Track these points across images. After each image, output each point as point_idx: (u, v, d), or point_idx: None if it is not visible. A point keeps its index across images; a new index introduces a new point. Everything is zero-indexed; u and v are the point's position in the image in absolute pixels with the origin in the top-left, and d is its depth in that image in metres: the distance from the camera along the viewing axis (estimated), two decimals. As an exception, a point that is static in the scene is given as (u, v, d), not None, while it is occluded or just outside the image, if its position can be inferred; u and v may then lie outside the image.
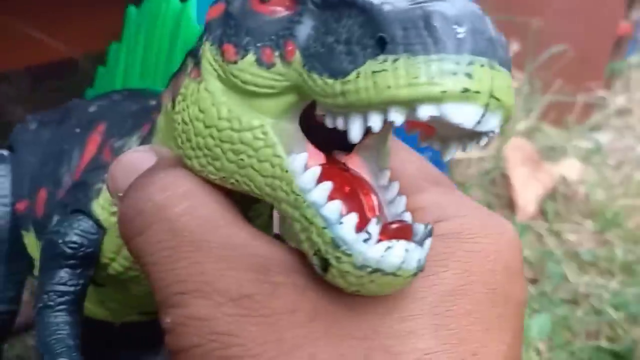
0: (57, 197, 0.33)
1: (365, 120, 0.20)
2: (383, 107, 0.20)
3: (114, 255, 0.30)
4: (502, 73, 0.20)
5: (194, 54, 0.26)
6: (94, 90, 0.44)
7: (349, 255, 0.21)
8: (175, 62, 0.35)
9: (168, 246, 0.23)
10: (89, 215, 0.30)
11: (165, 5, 0.36)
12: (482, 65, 0.19)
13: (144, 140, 0.30)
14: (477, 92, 0.19)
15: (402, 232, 0.22)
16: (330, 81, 0.21)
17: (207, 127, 0.24)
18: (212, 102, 0.24)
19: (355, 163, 0.24)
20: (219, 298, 0.22)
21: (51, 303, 0.28)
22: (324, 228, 0.21)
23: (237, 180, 0.24)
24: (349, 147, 0.24)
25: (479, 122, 0.19)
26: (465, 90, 0.19)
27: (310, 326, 0.22)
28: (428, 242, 0.22)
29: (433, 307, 0.23)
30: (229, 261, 0.23)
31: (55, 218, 0.32)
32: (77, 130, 0.34)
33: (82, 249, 0.29)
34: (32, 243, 0.35)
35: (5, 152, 0.37)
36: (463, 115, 0.19)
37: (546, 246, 0.75)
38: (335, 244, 0.21)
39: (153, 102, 0.33)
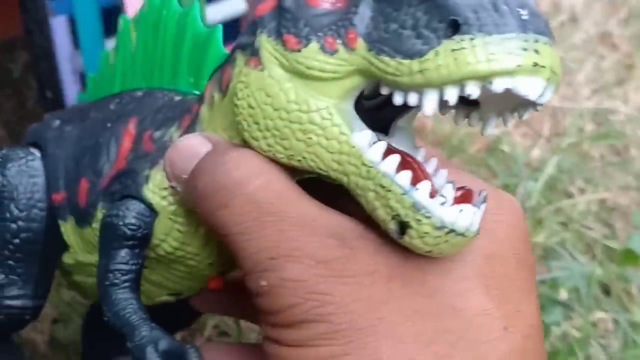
0: (99, 186, 0.35)
1: (441, 94, 0.24)
2: (460, 81, 0.24)
3: (164, 237, 0.33)
4: (556, 51, 0.24)
5: (242, 47, 0.30)
6: (85, 95, 0.46)
7: (429, 217, 0.24)
8: (183, 63, 0.38)
9: (252, 217, 0.26)
10: (141, 199, 0.32)
11: (166, 10, 0.39)
12: (544, 43, 0.23)
13: (187, 130, 0.33)
14: (544, 66, 0.23)
15: (466, 197, 0.26)
16: (405, 61, 0.24)
17: (275, 110, 0.27)
18: (279, 87, 0.27)
19: (395, 143, 0.28)
20: (308, 261, 0.25)
21: (117, 281, 0.31)
22: (403, 194, 0.25)
23: (304, 158, 0.27)
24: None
25: (541, 95, 0.23)
26: (535, 65, 0.23)
27: (388, 286, 0.25)
28: (483, 207, 0.26)
29: (480, 270, 0.27)
30: (310, 229, 0.26)
31: (101, 204, 0.35)
32: (109, 124, 0.36)
33: (140, 230, 0.32)
34: (69, 230, 0.37)
35: (37, 152, 0.39)
36: (532, 87, 0.23)
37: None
38: (416, 207, 0.24)
39: (177, 98, 0.36)
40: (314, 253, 0.25)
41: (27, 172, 0.38)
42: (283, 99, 0.27)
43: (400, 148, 0.28)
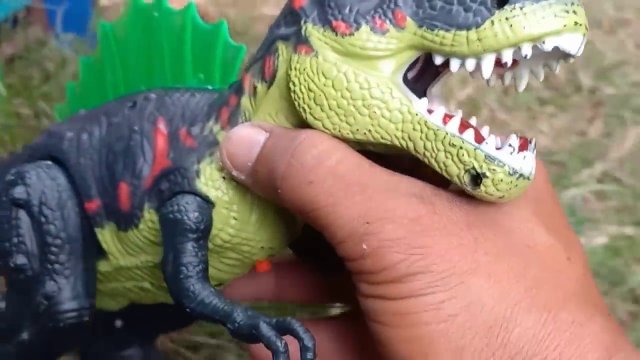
0: (141, 188, 0.35)
1: (499, 56, 0.28)
2: (516, 45, 0.27)
3: (222, 226, 0.34)
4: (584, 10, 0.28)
5: (284, 38, 0.32)
6: (66, 106, 0.45)
7: (502, 166, 0.28)
8: (187, 61, 0.39)
9: (339, 188, 0.29)
10: (196, 193, 0.33)
11: (157, 11, 0.40)
12: (578, 5, 0.28)
13: (229, 122, 0.34)
14: (581, 24, 0.28)
15: (524, 145, 0.30)
16: (462, 32, 0.28)
17: (337, 90, 0.30)
18: (336, 69, 0.30)
19: (434, 105, 0.32)
20: (402, 220, 0.28)
21: (191, 273, 0.32)
22: (476, 149, 0.28)
23: (369, 131, 0.30)
24: None
25: (579, 48, 0.28)
26: (576, 24, 0.27)
27: (471, 232, 0.29)
28: (535, 152, 0.30)
29: (534, 211, 0.31)
30: (393, 193, 0.29)
31: (147, 205, 0.35)
32: (135, 127, 0.37)
33: (203, 222, 0.33)
34: (107, 237, 0.37)
35: (50, 162, 0.39)
36: (574, 43, 0.27)
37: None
38: (489, 159, 0.28)
39: (197, 94, 0.37)
40: (405, 213, 0.28)
41: (47, 175, 0.38)
42: (343, 80, 0.30)
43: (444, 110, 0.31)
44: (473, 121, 0.31)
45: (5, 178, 0.39)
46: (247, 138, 0.32)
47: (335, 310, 0.49)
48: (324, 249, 0.35)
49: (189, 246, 0.33)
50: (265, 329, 0.30)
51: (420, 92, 0.32)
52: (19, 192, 0.37)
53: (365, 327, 0.33)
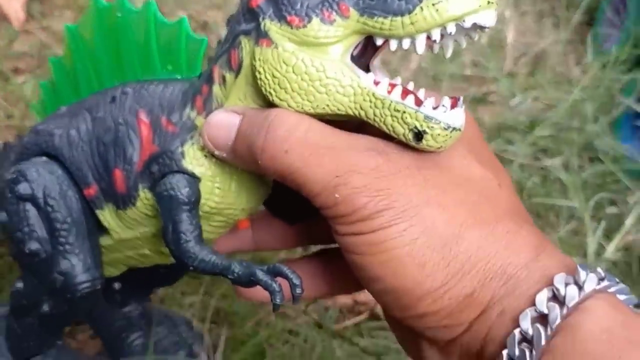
0: (134, 171, 0.41)
1: (429, 35, 0.34)
2: (442, 25, 0.33)
3: (208, 196, 0.40)
4: None
5: (245, 33, 0.37)
6: (40, 104, 0.49)
7: (439, 122, 0.34)
8: (154, 55, 0.44)
9: (310, 152, 0.35)
10: (184, 172, 0.39)
11: (120, 12, 0.44)
12: None
13: (204, 108, 0.40)
14: (493, 2, 0.34)
15: (454, 103, 0.36)
16: (397, 18, 0.34)
17: (297, 74, 0.35)
18: (295, 57, 0.35)
19: (377, 76, 0.37)
20: (365, 170, 0.34)
21: (189, 238, 0.38)
22: (417, 112, 0.35)
23: (327, 106, 0.36)
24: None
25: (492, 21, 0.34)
26: (489, 2, 0.34)
27: (422, 173, 0.35)
28: (464, 107, 0.36)
29: (468, 149, 0.37)
30: (355, 149, 0.35)
31: (141, 185, 0.41)
32: (120, 120, 0.42)
33: (193, 195, 0.39)
34: (108, 216, 0.43)
35: (45, 158, 0.43)
36: (489, 18, 0.34)
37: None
38: (429, 118, 0.35)
39: (170, 85, 0.42)
40: (366, 164, 0.34)
41: (46, 170, 0.42)
42: (301, 65, 0.35)
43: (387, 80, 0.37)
44: (411, 86, 0.37)
45: (4, 177, 0.44)
46: (224, 122, 0.38)
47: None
48: (290, 203, 0.42)
49: (184, 216, 0.38)
50: (261, 274, 0.36)
51: (365, 66, 0.38)
52: (23, 188, 0.42)
53: (332, 261, 0.39)
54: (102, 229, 0.44)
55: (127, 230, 0.43)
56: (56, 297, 0.42)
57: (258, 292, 0.38)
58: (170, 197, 0.39)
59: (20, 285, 0.43)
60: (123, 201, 0.42)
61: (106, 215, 0.43)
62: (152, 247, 0.44)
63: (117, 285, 0.51)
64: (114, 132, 0.42)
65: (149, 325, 0.53)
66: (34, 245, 0.41)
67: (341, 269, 0.38)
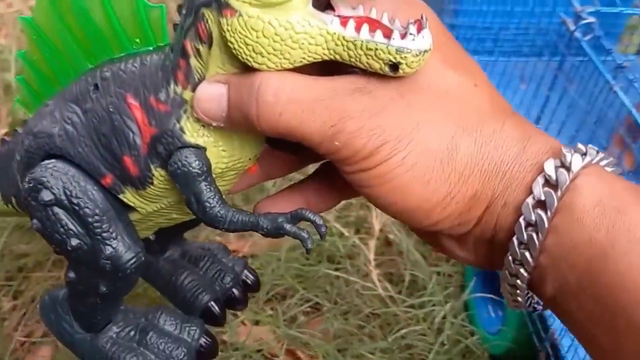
0: (141, 154, 0.42)
1: None
2: None
3: (217, 160, 0.42)
4: None
5: (205, 5, 0.37)
6: (23, 98, 0.50)
7: (410, 51, 0.36)
8: (116, 29, 0.44)
9: (302, 109, 0.36)
10: (188, 145, 0.41)
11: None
12: None
13: (187, 81, 0.40)
14: None
15: (419, 26, 0.36)
16: None
17: (267, 37, 0.36)
18: (261, 21, 0.36)
19: (341, 11, 0.38)
20: (356, 114, 0.36)
21: (213, 204, 0.41)
22: (387, 46, 0.36)
23: (303, 58, 0.37)
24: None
25: None
26: None
27: (406, 99, 0.37)
28: (427, 25, 0.37)
29: (441, 60, 0.38)
30: (341, 95, 0.36)
31: (153, 165, 0.42)
32: (111, 108, 0.42)
33: (204, 165, 0.41)
34: (130, 198, 0.45)
35: (53, 160, 0.45)
36: None
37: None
38: (400, 49, 0.36)
39: (145, 61, 0.42)
40: (355, 107, 0.36)
41: (60, 172, 0.44)
42: (269, 28, 0.36)
43: (350, 14, 0.38)
44: (374, 13, 0.38)
45: (23, 186, 0.46)
46: (212, 95, 0.39)
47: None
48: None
49: (203, 186, 0.41)
50: (288, 226, 0.40)
51: (325, 3, 0.38)
52: (46, 195, 0.43)
53: (334, 173, 0.41)
54: (129, 208, 0.46)
55: (152, 204, 0.45)
56: (109, 278, 0.45)
57: None
58: (183, 173, 0.41)
59: (72, 275, 0.46)
60: (140, 182, 0.43)
61: (129, 197, 0.45)
62: (179, 211, 0.47)
63: (152, 237, 0.53)
64: (109, 121, 0.43)
65: (191, 262, 0.57)
66: (74, 242, 0.44)
67: (343, 178, 0.41)
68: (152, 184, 0.44)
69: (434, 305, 0.96)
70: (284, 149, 0.47)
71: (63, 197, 0.44)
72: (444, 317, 0.95)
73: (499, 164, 0.37)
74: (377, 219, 1.03)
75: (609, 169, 0.37)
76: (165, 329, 0.49)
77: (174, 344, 0.48)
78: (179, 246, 0.58)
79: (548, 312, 0.78)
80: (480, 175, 0.37)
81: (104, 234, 0.44)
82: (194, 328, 0.50)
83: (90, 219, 0.44)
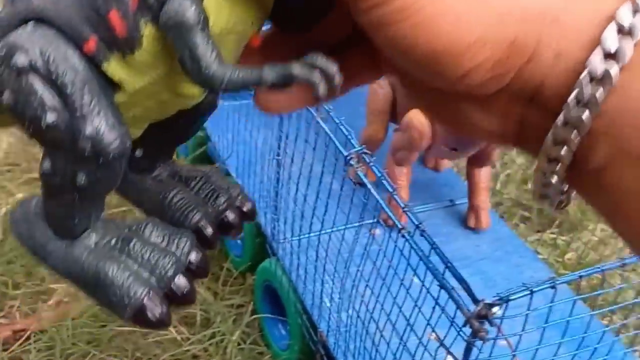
0: (130, 9, 0.37)
1: None
2: None
3: (216, 13, 0.37)
4: None
5: None
6: None
7: None
8: None
9: None
10: None
11: None
12: None
13: None
14: None
15: None
16: None
17: None
18: None
19: None
20: None
21: (210, 60, 0.36)
22: None
23: None
24: None
25: None
26: None
27: None
28: None
29: None
30: None
31: (143, 20, 0.37)
32: None
33: (200, 12, 0.36)
34: (116, 68, 0.39)
35: (30, 24, 0.39)
36: None
37: None
38: None
39: None
40: None
41: (37, 34, 0.39)
42: None
43: None
44: None
45: None
46: None
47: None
48: (296, 12, 0.40)
49: (198, 39, 0.36)
50: (298, 69, 0.35)
51: None
52: (19, 59, 0.38)
53: (347, 58, 0.38)
54: (114, 86, 0.40)
55: (140, 77, 0.40)
56: (89, 165, 0.39)
57: (281, 100, 0.37)
58: (177, 23, 0.36)
59: (47, 165, 0.40)
60: (127, 45, 0.38)
61: (114, 68, 0.39)
62: (169, 89, 0.41)
63: (138, 152, 0.48)
64: None
65: (182, 181, 0.51)
66: (51, 117, 0.38)
67: (356, 61, 0.38)
68: (140, 45, 0.38)
69: (223, 334, 1.00)
70: (291, 28, 0.43)
71: (39, 62, 0.38)
72: (238, 344, 1.00)
73: (546, 9, 0.32)
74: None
75: None
76: (151, 240, 0.43)
77: (160, 253, 0.42)
78: (168, 166, 0.52)
79: (317, 316, 0.85)
80: (522, 18, 0.32)
81: (85, 109, 0.38)
82: (184, 239, 0.43)
83: (69, 89, 0.38)
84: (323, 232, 0.77)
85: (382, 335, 0.68)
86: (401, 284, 0.64)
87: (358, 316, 0.72)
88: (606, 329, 0.68)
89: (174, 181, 0.51)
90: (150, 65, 0.39)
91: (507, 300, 0.51)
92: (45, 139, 0.39)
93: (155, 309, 0.40)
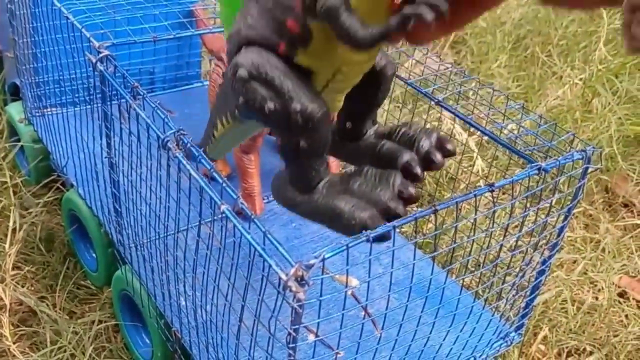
0: (299, 12, 0.49)
1: None
2: None
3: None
4: None
5: None
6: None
7: None
8: None
9: None
10: None
11: None
12: None
13: None
14: None
15: None
16: None
17: None
18: None
19: None
20: None
21: (355, 29, 0.46)
22: None
23: None
24: None
25: None
26: None
27: None
28: None
29: None
30: None
31: (309, 18, 0.48)
32: None
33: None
34: (303, 58, 0.51)
35: (242, 47, 0.53)
36: None
37: None
38: None
39: None
40: None
41: (248, 52, 0.52)
42: None
43: None
44: None
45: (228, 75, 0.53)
46: None
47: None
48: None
49: (343, 17, 0.46)
50: (408, 9, 0.43)
51: None
52: (242, 72, 0.51)
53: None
54: (308, 72, 0.51)
55: (320, 60, 0.51)
56: (303, 131, 0.51)
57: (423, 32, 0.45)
58: (326, 10, 0.46)
59: (280, 142, 0.54)
60: (304, 40, 0.49)
61: (302, 59, 0.51)
62: (344, 62, 0.51)
63: (348, 125, 0.60)
64: None
65: (385, 136, 0.59)
66: (270, 105, 0.50)
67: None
68: (312, 38, 0.49)
69: (73, 352, 0.95)
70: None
71: (254, 70, 0.50)
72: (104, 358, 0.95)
73: None
74: (6, 293, 0.99)
75: None
76: (367, 179, 0.54)
77: (375, 187, 0.53)
78: (372, 130, 0.62)
79: (171, 317, 0.81)
80: None
81: (290, 93, 0.50)
82: (393, 175, 0.54)
83: (276, 82, 0.50)
84: (171, 232, 0.73)
85: (228, 325, 0.66)
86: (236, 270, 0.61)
87: (206, 310, 0.70)
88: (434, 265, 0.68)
89: (379, 139, 0.61)
90: (324, 50, 0.50)
91: (324, 260, 0.50)
92: (272, 122, 0.52)
93: (374, 225, 0.51)
